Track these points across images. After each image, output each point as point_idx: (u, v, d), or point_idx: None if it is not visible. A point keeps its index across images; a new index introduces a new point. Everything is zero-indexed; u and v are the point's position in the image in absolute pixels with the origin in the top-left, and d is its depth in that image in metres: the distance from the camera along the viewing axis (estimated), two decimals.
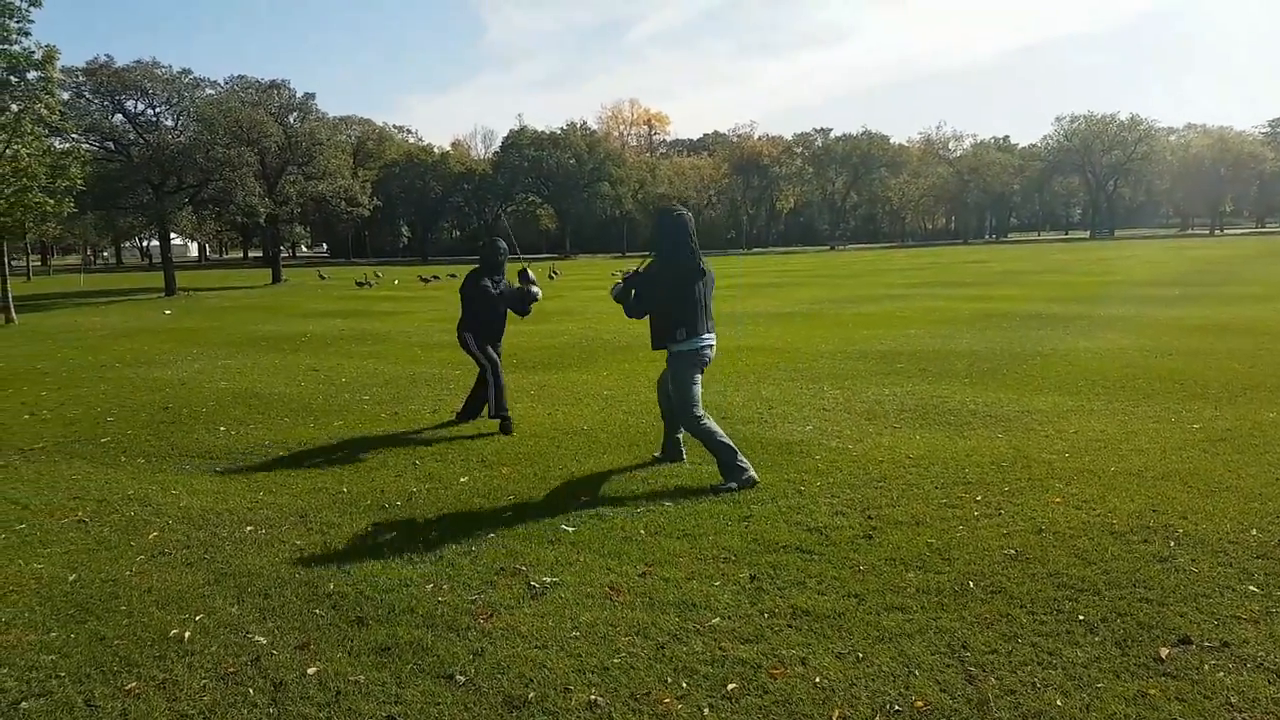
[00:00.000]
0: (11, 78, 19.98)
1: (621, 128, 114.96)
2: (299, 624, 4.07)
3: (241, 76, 38.94)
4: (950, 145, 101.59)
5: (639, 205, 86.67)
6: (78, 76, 32.33)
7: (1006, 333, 13.66)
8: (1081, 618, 3.87)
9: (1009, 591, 4.16)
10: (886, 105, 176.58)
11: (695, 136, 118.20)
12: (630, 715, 3.24)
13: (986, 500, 5.51)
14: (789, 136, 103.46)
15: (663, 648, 3.73)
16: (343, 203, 41.03)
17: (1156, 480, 5.78)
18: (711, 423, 6.11)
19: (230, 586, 4.54)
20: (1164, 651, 3.55)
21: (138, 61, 33.25)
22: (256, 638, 3.93)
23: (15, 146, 19.78)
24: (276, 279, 41.23)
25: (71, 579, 4.69)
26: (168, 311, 25.38)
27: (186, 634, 3.97)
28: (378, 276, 40.24)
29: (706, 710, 3.26)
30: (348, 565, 4.79)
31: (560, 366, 11.77)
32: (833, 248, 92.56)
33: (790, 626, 3.91)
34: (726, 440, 6.03)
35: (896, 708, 3.23)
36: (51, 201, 20.68)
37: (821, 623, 3.92)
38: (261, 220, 36.78)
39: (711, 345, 6.17)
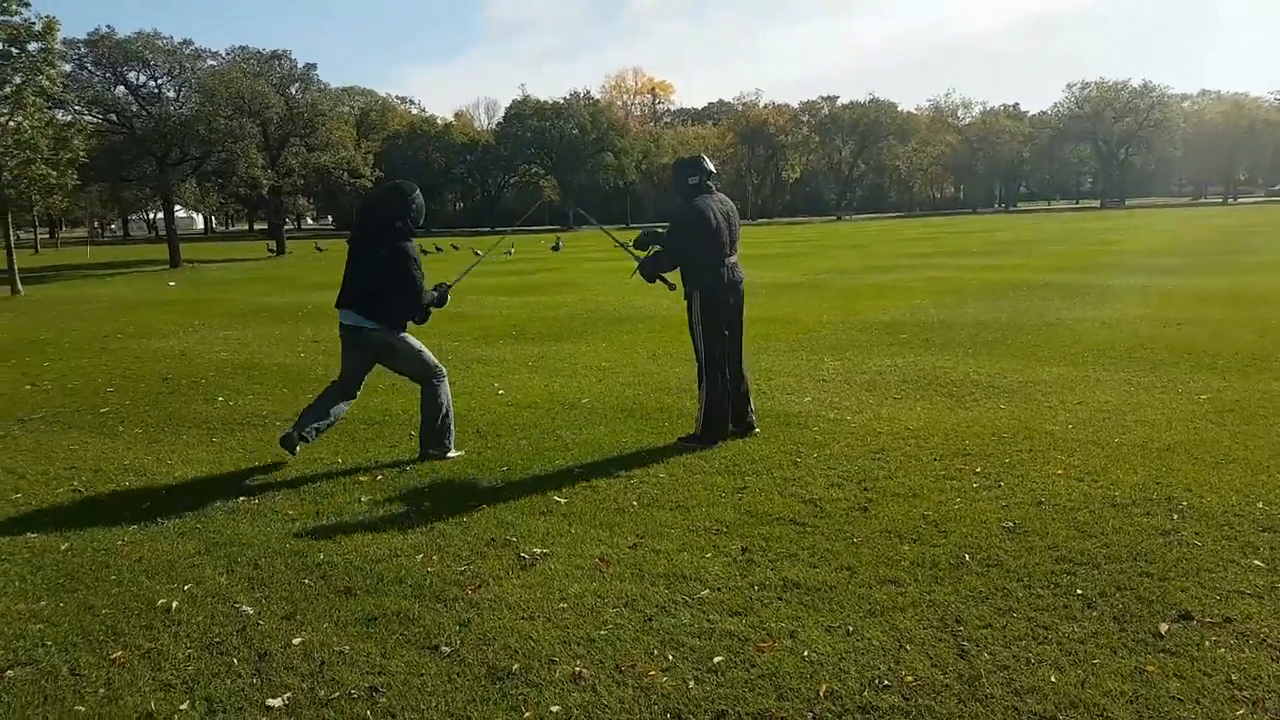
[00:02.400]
0: (12, 49, 19.81)
1: (625, 97, 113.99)
2: (287, 594, 4.02)
3: (243, 47, 38.72)
4: (959, 113, 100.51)
5: (643, 176, 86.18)
6: (79, 48, 32.09)
7: (1013, 303, 13.51)
8: (1079, 592, 3.79)
9: (1005, 565, 4.09)
10: (897, 76, 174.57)
11: (700, 106, 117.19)
12: (614, 687, 3.18)
13: (986, 472, 5.42)
14: (795, 105, 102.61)
15: (650, 620, 3.67)
16: (345, 174, 40.83)
17: (1161, 452, 5.68)
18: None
19: (220, 556, 4.49)
20: (1163, 627, 3.47)
21: (138, 32, 33.08)
22: (244, 608, 3.88)
23: (18, 119, 19.67)
24: (280, 251, 41.15)
25: (64, 548, 4.65)
26: (172, 283, 25.34)
27: (174, 604, 3.93)
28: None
29: (691, 683, 3.19)
30: (338, 535, 4.74)
31: (558, 338, 11.68)
32: (840, 218, 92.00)
33: (780, 599, 3.84)
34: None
35: (886, 682, 3.16)
36: (55, 174, 20.60)
37: (812, 595, 3.86)
38: (264, 192, 36.64)
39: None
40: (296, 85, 39.15)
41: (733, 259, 6.36)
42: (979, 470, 5.45)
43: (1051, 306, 12.88)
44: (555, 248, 36.70)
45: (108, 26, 33.13)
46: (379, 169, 46.94)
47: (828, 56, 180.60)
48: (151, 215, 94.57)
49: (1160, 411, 6.69)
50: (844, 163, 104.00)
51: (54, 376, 9.85)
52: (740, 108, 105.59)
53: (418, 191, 6.24)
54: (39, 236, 58.06)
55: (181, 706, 3.14)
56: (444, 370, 6.35)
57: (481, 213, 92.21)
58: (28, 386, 9.26)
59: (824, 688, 3.14)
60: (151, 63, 33.13)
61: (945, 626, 3.55)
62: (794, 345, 10.20)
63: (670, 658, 3.37)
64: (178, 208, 42.76)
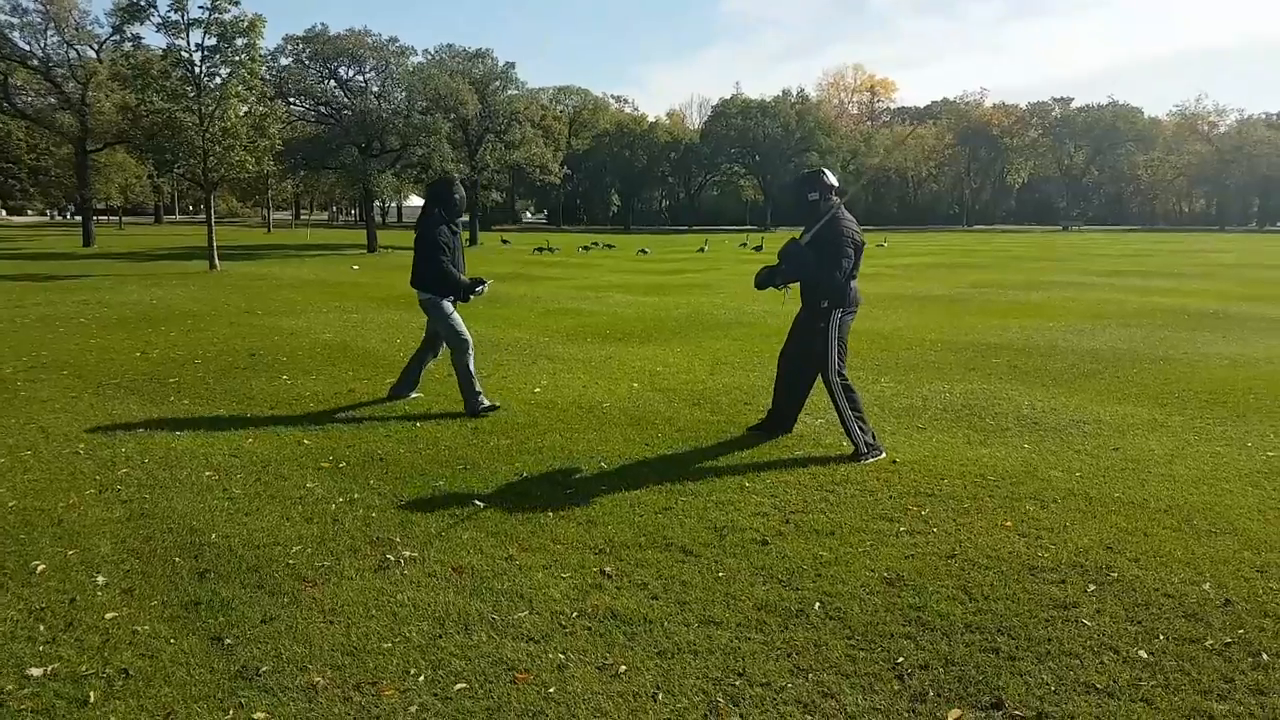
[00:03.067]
0: (221, 44, 22.02)
1: (842, 95, 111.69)
2: (149, 569, 4.25)
3: (450, 45, 41.15)
4: (1212, 119, 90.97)
5: (851, 177, 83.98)
6: (298, 44, 35.26)
7: (1153, 331, 12.17)
8: (900, 660, 3.40)
9: (848, 619, 3.72)
10: (1147, 78, 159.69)
11: (922, 104, 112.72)
12: (339, 702, 3.16)
13: (931, 515, 4.94)
14: (1023, 105, 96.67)
15: (439, 638, 3.61)
16: (537, 170, 42.55)
17: (1154, 513, 4.97)
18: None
19: (136, 527, 4.81)
20: (953, 715, 3.06)
21: (350, 29, 35.88)
22: (98, 578, 4.14)
23: (224, 107, 21.89)
24: (473, 242, 43.36)
25: (11, 505, 5.12)
26: (355, 267, 27.25)
27: (42, 567, 4.25)
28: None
29: (414, 708, 3.13)
30: (250, 516, 4.97)
31: (641, 340, 11.63)
32: (1066, 228, 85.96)
33: (589, 629, 3.68)
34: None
35: None
36: (252, 160, 22.74)
37: (624, 628, 3.68)
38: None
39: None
40: (496, 83, 41.11)
41: (856, 280, 6.33)
42: (925, 513, 4.98)
43: (1193, 338, 11.49)
44: (758, 248, 36.59)
45: (322, 24, 36.17)
46: (583, 164, 48.80)
47: (1088, 54, 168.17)
48: (387, 203, 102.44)
49: (1201, 466, 5.84)
50: (1075, 168, 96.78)
51: (166, 346, 10.86)
52: (963, 107, 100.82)
53: (459, 184, 7.83)
54: (271, 218, 64.00)
55: None
56: (469, 341, 7.49)
57: (683, 211, 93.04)
58: (137, 354, 10.27)
59: None
60: (360, 58, 35.87)
61: (722, 679, 3.29)
62: (866, 364, 9.66)
63: (420, 680, 3.30)
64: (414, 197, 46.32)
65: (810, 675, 3.31)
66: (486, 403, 7.48)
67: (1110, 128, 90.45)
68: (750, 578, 4.16)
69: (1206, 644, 3.51)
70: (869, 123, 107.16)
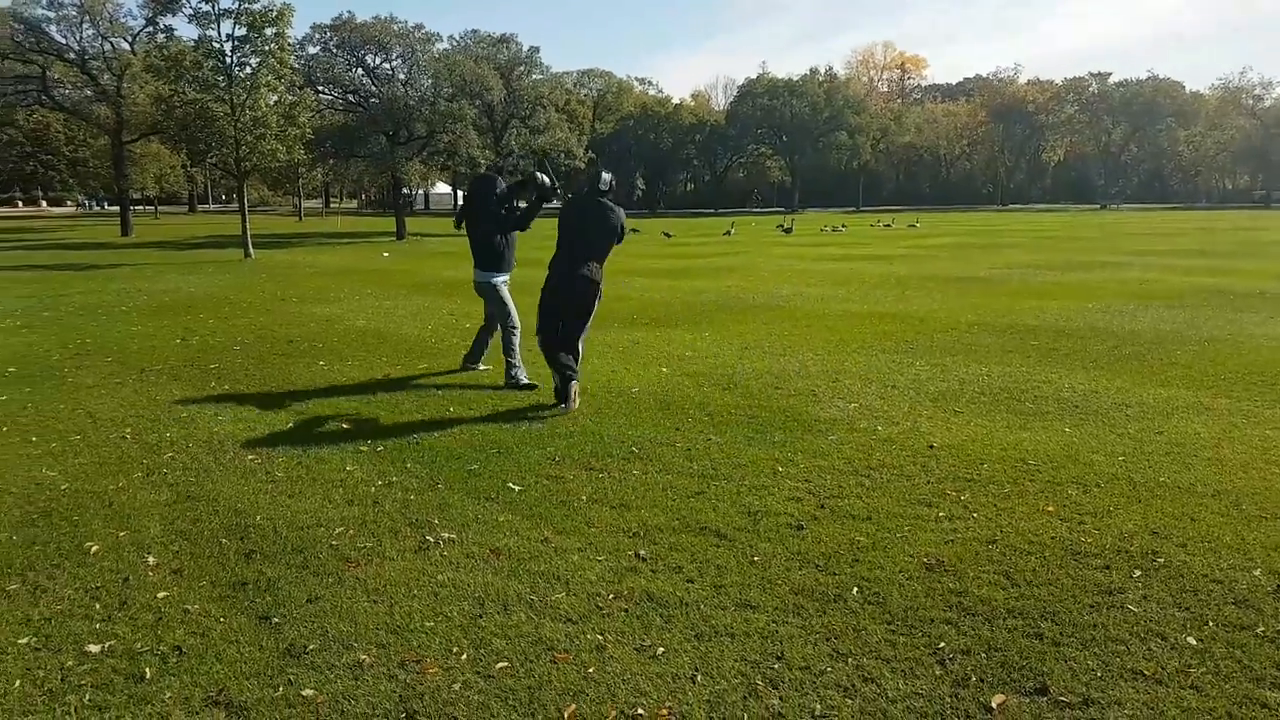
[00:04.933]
0: (251, 34, 22.21)
1: (871, 73, 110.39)
2: (195, 550, 4.32)
3: (475, 31, 41.18)
4: (1257, 93, 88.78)
5: (881, 156, 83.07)
6: (325, 32, 35.49)
7: (1197, 312, 11.95)
8: (942, 645, 3.37)
9: (888, 604, 3.70)
10: (1200, 52, 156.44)
11: (954, 81, 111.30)
12: (384, 679, 3.20)
13: (971, 500, 4.89)
14: (1059, 81, 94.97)
15: (479, 618, 3.64)
16: (561, 155, 42.58)
17: (1202, 497, 4.88)
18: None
19: (183, 509, 4.89)
20: (996, 700, 3.03)
21: (376, 17, 36.04)
22: (148, 558, 4.22)
23: (254, 96, 22.10)
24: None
25: (63, 488, 5.23)
26: (386, 254, 27.42)
27: (95, 548, 4.34)
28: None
29: (458, 685, 3.16)
30: (293, 499, 5.03)
31: (668, 324, 11.59)
32: (1104, 206, 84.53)
33: (625, 611, 3.69)
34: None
35: (639, 711, 2.98)
36: (283, 148, 22.94)
37: (661, 610, 3.68)
38: (483, 171, 38.93)
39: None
40: (521, 68, 41.06)
41: (578, 261, 7.12)
42: (964, 498, 4.93)
43: (1239, 319, 11.26)
44: (788, 229, 36.12)
45: (349, 12, 36.36)
46: (607, 148, 48.59)
47: (1119, 28, 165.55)
48: (416, 190, 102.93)
49: (1248, 449, 5.73)
50: (1114, 145, 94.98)
51: (205, 333, 11.02)
52: (996, 83, 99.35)
53: (500, 179, 8.33)
54: (303, 206, 64.64)
55: (20, 641, 3.49)
56: (518, 325, 8.07)
57: (709, 194, 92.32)
58: (178, 340, 10.43)
59: (570, 710, 3.01)
60: (387, 46, 36.03)
61: (760, 661, 3.29)
62: (899, 347, 9.59)
63: (463, 658, 3.34)
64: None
65: (850, 659, 3.30)
66: (524, 379, 7.89)
67: (1150, 103, 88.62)
68: (786, 562, 4.14)
69: (1258, 631, 3.45)
70: (899, 100, 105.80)
